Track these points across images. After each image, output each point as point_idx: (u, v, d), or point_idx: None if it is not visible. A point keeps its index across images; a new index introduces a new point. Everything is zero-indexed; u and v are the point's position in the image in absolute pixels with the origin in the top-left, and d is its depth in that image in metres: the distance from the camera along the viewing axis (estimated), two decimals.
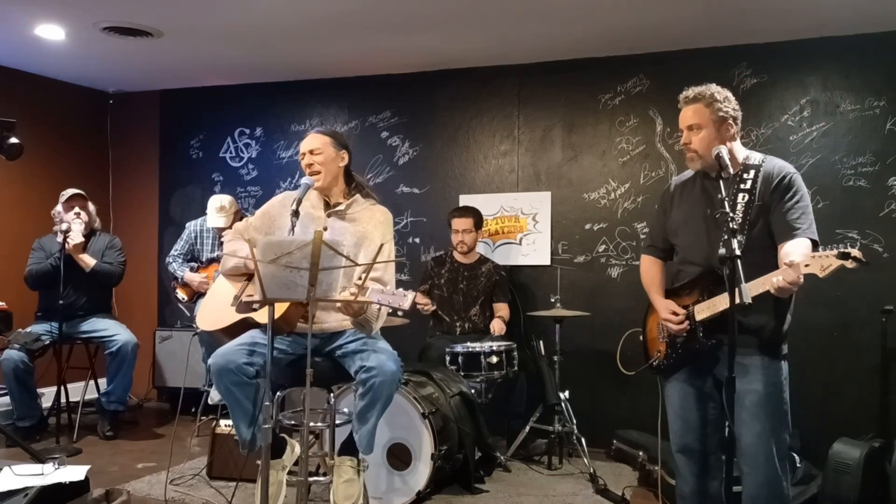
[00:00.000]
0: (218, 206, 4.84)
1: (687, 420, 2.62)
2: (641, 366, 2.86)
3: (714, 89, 2.53)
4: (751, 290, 2.30)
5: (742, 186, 2.51)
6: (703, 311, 2.51)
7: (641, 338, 2.87)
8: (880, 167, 4.28)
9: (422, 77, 5.22)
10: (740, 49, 4.48)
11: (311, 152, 3.03)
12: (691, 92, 2.55)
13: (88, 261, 4.62)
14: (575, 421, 4.23)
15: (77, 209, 4.64)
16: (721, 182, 2.42)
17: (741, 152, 2.57)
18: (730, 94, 2.55)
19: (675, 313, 2.58)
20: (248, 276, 2.99)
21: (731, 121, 2.52)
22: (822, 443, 3.57)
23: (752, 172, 2.52)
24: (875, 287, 4.13)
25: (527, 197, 4.99)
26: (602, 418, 4.66)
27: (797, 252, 2.35)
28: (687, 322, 2.56)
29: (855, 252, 2.16)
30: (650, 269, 2.79)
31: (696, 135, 2.52)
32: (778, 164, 2.54)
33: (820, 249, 2.26)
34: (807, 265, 2.23)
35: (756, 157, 2.58)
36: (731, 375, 2.32)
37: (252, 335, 2.89)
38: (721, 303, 2.41)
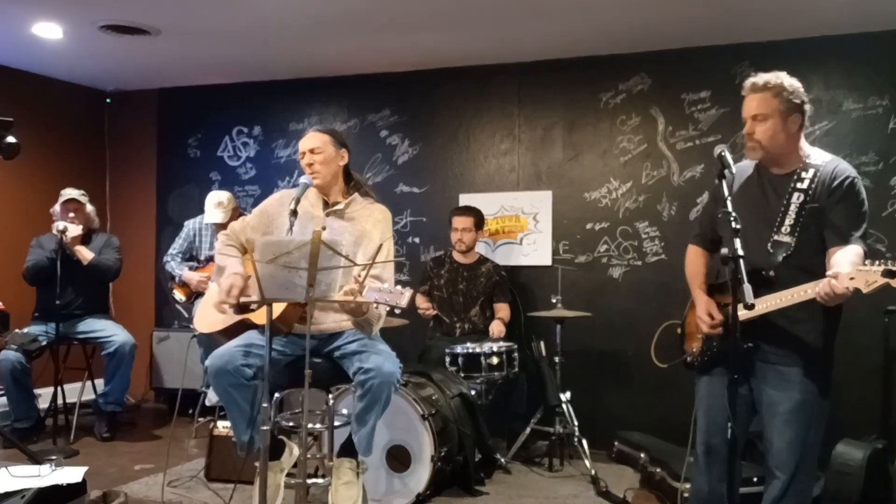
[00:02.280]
0: (216, 201, 4.82)
1: (714, 420, 2.56)
2: (675, 359, 2.79)
3: (784, 79, 2.41)
4: (793, 297, 2.27)
5: (799, 186, 2.42)
6: (743, 312, 2.41)
7: (679, 331, 2.80)
8: (883, 166, 4.26)
9: (421, 76, 5.20)
10: (742, 47, 4.46)
11: (312, 151, 3.00)
12: (760, 80, 2.42)
13: (86, 254, 4.61)
14: (576, 422, 4.20)
15: (72, 214, 4.64)
16: (723, 181, 2.36)
17: (805, 148, 2.47)
18: (800, 86, 2.43)
19: (710, 315, 2.51)
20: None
21: (798, 113, 2.42)
22: (824, 444, 3.48)
23: (811, 171, 2.42)
24: None
25: (527, 196, 4.96)
26: (603, 420, 4.64)
27: (846, 262, 2.25)
28: (722, 326, 2.48)
29: None
30: (695, 261, 2.71)
31: (760, 125, 2.41)
32: (840, 167, 2.43)
33: (867, 263, 2.17)
34: (852, 278, 2.14)
35: (819, 155, 2.48)
36: (732, 376, 2.29)
37: (249, 336, 2.87)
38: (760, 306, 2.30)
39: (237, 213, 4.91)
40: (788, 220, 2.41)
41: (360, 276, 2.55)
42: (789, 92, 2.39)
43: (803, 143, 2.49)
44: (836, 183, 2.39)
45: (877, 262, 2.12)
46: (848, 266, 2.21)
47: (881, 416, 4.13)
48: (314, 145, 3.00)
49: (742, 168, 2.62)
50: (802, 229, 2.39)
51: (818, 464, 3.54)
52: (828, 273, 2.21)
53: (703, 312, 2.54)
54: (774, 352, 2.43)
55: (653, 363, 3.42)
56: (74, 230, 4.53)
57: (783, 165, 2.48)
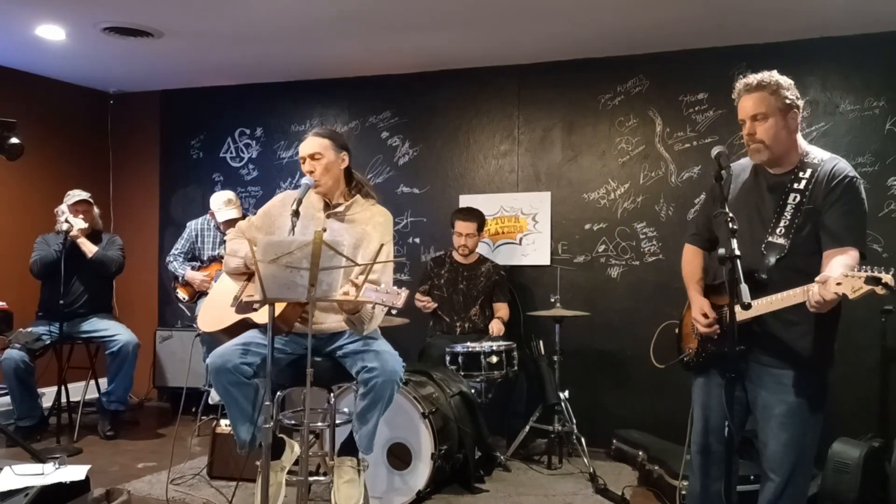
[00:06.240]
0: (225, 199, 4.87)
1: (710, 421, 2.55)
2: (672, 360, 2.79)
3: (778, 76, 2.36)
4: (783, 300, 2.24)
5: (795, 186, 2.36)
6: (737, 314, 2.36)
7: (677, 331, 2.79)
8: (880, 167, 4.28)
9: (422, 77, 5.23)
10: (740, 49, 4.49)
11: (312, 157, 2.97)
12: (754, 79, 2.37)
13: (90, 246, 4.65)
14: (575, 421, 4.24)
15: (81, 215, 4.68)
16: (720, 182, 2.34)
17: (803, 146, 2.42)
18: (792, 83, 2.39)
19: (705, 315, 2.49)
20: (250, 275, 2.99)
21: (795, 109, 2.37)
22: (821, 442, 3.52)
23: (808, 171, 2.37)
24: None
25: (527, 197, 4.99)
26: (602, 418, 4.67)
27: (838, 266, 2.19)
28: (717, 325, 2.46)
29: (886, 278, 2.02)
30: (692, 261, 2.67)
31: (761, 124, 2.35)
32: (838, 166, 2.36)
33: (857, 269, 2.09)
34: (839, 283, 2.07)
35: (817, 154, 2.41)
36: (730, 375, 2.29)
37: (249, 335, 2.88)
38: (754, 308, 2.26)
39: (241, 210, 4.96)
40: (783, 222, 2.36)
41: (356, 278, 2.56)
42: (785, 89, 2.35)
43: (801, 141, 2.43)
44: (833, 183, 2.32)
45: (862, 269, 2.07)
46: (839, 271, 2.15)
47: (878, 415, 4.15)
48: (314, 151, 2.97)
49: (740, 167, 2.57)
50: (797, 231, 2.34)
51: (815, 462, 3.59)
52: (816, 279, 2.16)
53: (698, 313, 2.52)
54: (768, 354, 2.41)
55: (651, 362, 3.46)
56: (80, 223, 4.58)
57: (783, 164, 2.43)
